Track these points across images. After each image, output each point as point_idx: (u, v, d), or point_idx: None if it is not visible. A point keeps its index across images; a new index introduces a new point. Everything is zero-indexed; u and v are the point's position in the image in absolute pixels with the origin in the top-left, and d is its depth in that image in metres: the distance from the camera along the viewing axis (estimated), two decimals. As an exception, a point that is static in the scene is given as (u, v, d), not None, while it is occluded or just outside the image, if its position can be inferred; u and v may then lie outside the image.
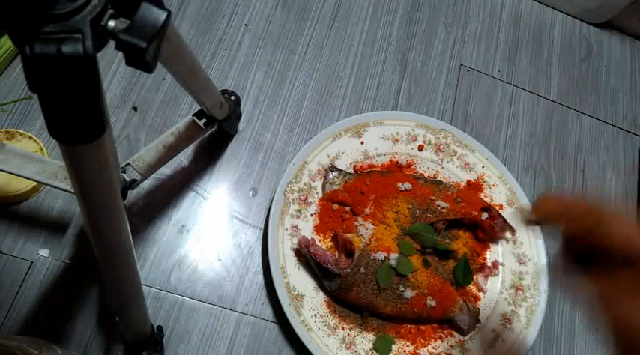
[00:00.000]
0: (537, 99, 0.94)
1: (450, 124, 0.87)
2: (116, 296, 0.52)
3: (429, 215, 0.74)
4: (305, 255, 0.70)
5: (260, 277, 0.73)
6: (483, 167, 0.81)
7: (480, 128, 0.89)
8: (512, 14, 1.01)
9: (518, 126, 0.91)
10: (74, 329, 0.66)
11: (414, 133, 0.80)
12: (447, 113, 0.89)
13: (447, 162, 0.80)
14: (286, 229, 0.71)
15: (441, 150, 0.81)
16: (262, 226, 0.75)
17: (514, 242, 0.78)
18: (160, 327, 0.66)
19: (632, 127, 0.97)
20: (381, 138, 0.79)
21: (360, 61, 0.89)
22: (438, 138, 0.81)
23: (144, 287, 0.69)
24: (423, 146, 0.80)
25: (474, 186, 0.80)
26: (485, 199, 0.79)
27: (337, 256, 0.70)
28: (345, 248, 0.70)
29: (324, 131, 0.77)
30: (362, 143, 0.79)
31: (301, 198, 0.73)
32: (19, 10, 0.28)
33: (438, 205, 0.74)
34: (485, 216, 0.74)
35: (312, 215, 0.74)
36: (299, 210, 0.73)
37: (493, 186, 0.80)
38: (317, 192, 0.75)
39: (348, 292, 0.68)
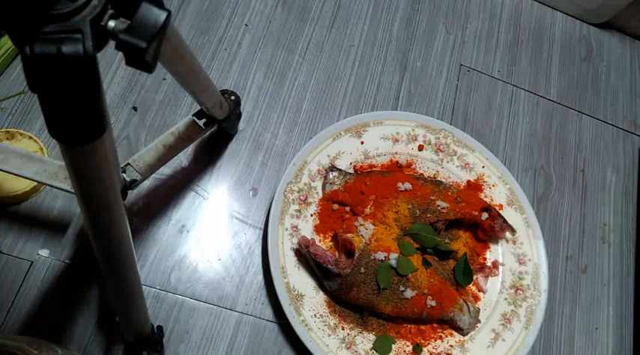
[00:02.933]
0: (537, 99, 0.95)
1: (450, 124, 0.87)
2: (116, 297, 0.52)
3: (429, 215, 0.73)
4: (305, 255, 0.70)
5: (260, 277, 0.73)
6: (483, 167, 0.81)
7: (479, 128, 0.89)
8: (512, 14, 1.01)
9: (518, 126, 0.91)
10: (74, 329, 0.66)
11: (414, 133, 0.80)
12: (447, 113, 0.89)
13: (447, 162, 0.80)
14: (286, 229, 0.71)
15: (441, 150, 0.81)
16: (262, 226, 0.75)
17: (514, 242, 0.78)
18: (159, 327, 0.66)
19: (632, 127, 0.97)
20: (381, 138, 0.79)
21: (360, 61, 0.89)
22: (438, 138, 0.81)
23: (144, 287, 0.69)
24: (423, 146, 0.80)
25: (474, 186, 0.80)
26: (485, 199, 0.79)
27: (337, 256, 0.70)
28: (345, 248, 0.70)
29: (324, 131, 0.77)
30: (362, 143, 0.78)
31: (301, 198, 0.73)
32: (19, 10, 0.28)
33: (438, 205, 0.74)
34: (485, 216, 0.74)
35: (312, 215, 0.74)
36: (299, 210, 0.73)
37: (493, 186, 0.80)
38: (317, 192, 0.75)
39: (348, 292, 0.68)
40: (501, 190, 0.80)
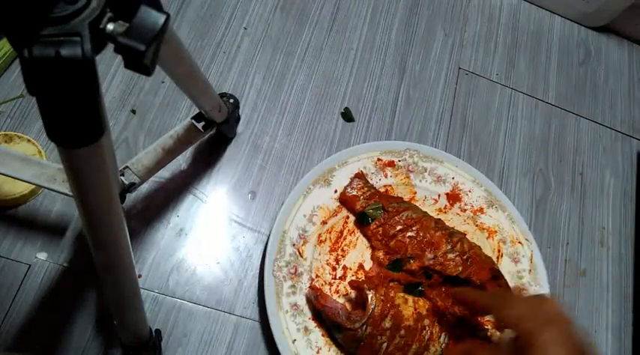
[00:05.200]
0: (536, 102, 0.95)
1: (449, 127, 0.87)
2: (114, 300, 0.52)
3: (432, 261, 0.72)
4: (316, 307, 0.68)
5: (258, 281, 0.73)
6: (454, 177, 0.80)
7: (478, 131, 0.89)
8: (511, 18, 1.01)
9: (517, 130, 0.91)
10: (72, 332, 0.65)
11: (380, 163, 0.79)
12: (446, 116, 0.89)
13: (420, 180, 0.79)
14: (287, 312, 0.68)
15: (410, 171, 0.79)
16: (260, 229, 0.75)
17: (504, 242, 0.78)
18: (158, 331, 0.66)
19: (630, 130, 0.97)
20: (350, 178, 0.76)
21: (358, 64, 0.89)
22: (405, 160, 0.80)
23: (142, 290, 0.68)
24: (389, 173, 0.79)
25: (453, 197, 0.79)
26: (465, 207, 0.78)
27: (351, 308, 0.68)
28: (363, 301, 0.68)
29: (293, 193, 0.73)
30: (335, 191, 0.76)
31: (291, 271, 0.70)
32: (17, 12, 0.28)
33: (451, 259, 0.71)
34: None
35: (308, 280, 0.71)
36: (293, 286, 0.70)
37: (469, 191, 0.79)
38: (305, 258, 0.71)
39: (358, 348, 0.66)
40: (478, 194, 0.80)
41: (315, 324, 0.69)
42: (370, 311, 0.66)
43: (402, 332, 0.66)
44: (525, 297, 0.58)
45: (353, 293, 0.71)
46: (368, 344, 0.65)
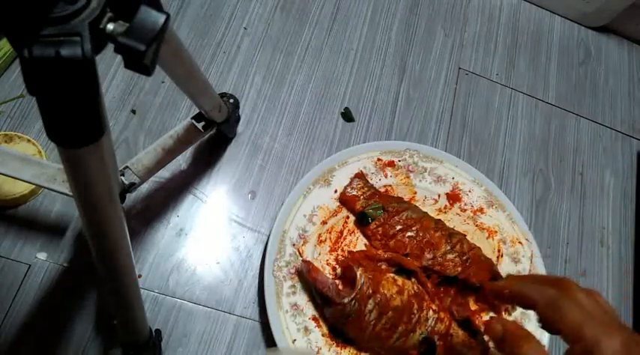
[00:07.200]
0: (536, 102, 0.95)
1: (449, 128, 0.87)
2: (114, 300, 0.52)
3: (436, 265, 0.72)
4: (307, 281, 0.68)
5: (258, 281, 0.73)
6: (454, 177, 0.80)
7: (478, 131, 0.89)
8: (511, 18, 1.01)
9: (517, 130, 0.91)
10: (72, 332, 0.65)
11: (380, 163, 0.79)
12: (446, 116, 0.89)
13: (420, 180, 0.79)
14: (286, 311, 0.68)
15: (410, 171, 0.79)
16: (260, 229, 0.75)
17: (504, 242, 0.78)
18: (158, 331, 0.66)
19: (630, 130, 0.97)
20: (350, 178, 0.76)
21: (358, 64, 0.89)
22: (405, 160, 0.79)
23: (142, 290, 0.68)
24: (389, 173, 0.79)
25: (453, 197, 0.79)
26: (465, 207, 0.78)
27: (342, 287, 0.68)
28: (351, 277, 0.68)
29: (293, 192, 0.73)
30: (335, 191, 0.76)
31: (291, 271, 0.70)
32: (17, 12, 0.28)
33: (450, 260, 0.71)
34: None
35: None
36: (293, 285, 0.69)
37: (470, 191, 0.79)
38: (306, 256, 0.71)
39: (345, 323, 0.66)
40: (478, 194, 0.80)
41: (315, 324, 0.69)
42: (359, 287, 0.66)
43: (390, 313, 0.66)
44: (580, 295, 0.49)
45: (340, 271, 0.71)
46: (356, 320, 0.66)
